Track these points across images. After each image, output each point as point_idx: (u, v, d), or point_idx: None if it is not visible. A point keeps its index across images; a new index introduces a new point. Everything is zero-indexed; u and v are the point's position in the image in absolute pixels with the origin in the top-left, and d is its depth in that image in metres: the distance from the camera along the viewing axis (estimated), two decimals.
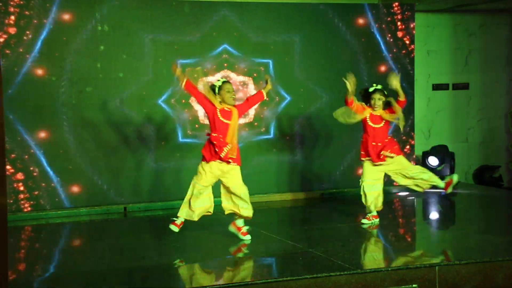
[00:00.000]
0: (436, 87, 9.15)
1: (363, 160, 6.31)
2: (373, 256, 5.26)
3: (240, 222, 5.80)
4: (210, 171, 5.63)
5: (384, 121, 6.25)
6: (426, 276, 4.73)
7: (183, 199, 7.66)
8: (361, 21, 8.06)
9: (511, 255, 5.00)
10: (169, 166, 7.49)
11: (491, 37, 9.30)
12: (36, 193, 7.08)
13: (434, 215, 7.44)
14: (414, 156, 8.39)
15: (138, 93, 7.36)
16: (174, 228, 5.76)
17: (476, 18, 9.22)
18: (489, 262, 4.89)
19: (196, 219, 5.79)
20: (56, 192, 7.14)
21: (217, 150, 5.54)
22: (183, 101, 7.50)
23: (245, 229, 5.80)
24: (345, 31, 8.00)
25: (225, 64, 7.62)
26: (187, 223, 6.88)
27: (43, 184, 7.09)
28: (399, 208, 7.75)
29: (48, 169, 7.10)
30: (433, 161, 8.56)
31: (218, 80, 5.69)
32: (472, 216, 7.23)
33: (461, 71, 9.24)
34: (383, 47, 8.15)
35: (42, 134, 7.06)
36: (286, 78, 7.83)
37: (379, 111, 6.22)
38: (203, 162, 5.67)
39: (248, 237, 5.76)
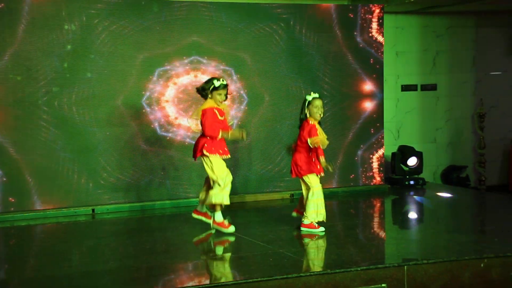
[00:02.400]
0: (405, 88, 9.24)
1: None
2: (343, 256, 5.28)
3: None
4: None
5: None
6: (395, 275, 4.77)
7: (153, 200, 7.64)
8: (329, 22, 8.08)
9: (477, 254, 5.08)
10: (140, 167, 7.42)
11: (458, 39, 9.44)
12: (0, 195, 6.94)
13: (402, 215, 7.51)
14: (383, 160, 8.46)
15: (105, 93, 7.27)
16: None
17: (443, 20, 9.34)
18: (456, 261, 4.95)
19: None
20: (21, 193, 7.00)
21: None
22: (155, 101, 7.44)
23: None
24: (312, 33, 8.01)
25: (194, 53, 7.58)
26: (154, 226, 6.82)
27: (8, 185, 6.95)
28: (367, 208, 7.80)
29: (14, 170, 6.96)
30: (412, 161, 8.62)
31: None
32: (440, 215, 7.32)
33: (429, 72, 9.35)
34: (352, 48, 8.19)
35: (8, 134, 6.93)
36: (249, 82, 7.84)
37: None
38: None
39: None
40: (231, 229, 6.01)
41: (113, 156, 7.32)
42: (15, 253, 5.79)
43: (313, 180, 6.06)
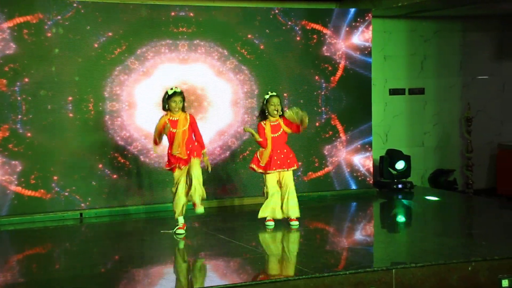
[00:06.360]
0: (393, 92, 9.28)
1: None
2: (331, 259, 5.30)
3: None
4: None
5: (282, 129, 6.36)
6: (383, 279, 4.79)
7: (140, 205, 7.58)
8: (317, 26, 8.10)
9: (465, 257, 5.10)
10: (125, 171, 7.39)
11: (446, 43, 9.49)
12: None
13: (390, 218, 7.53)
14: (371, 164, 8.49)
15: (94, 97, 7.24)
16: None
17: (431, 24, 9.39)
18: (443, 264, 4.98)
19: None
20: (9, 198, 6.95)
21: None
22: (140, 105, 7.42)
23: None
24: (301, 37, 8.02)
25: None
26: (142, 230, 6.80)
27: None
28: (356, 212, 7.82)
29: None
30: (400, 165, 8.65)
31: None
32: (428, 219, 7.35)
33: (417, 76, 9.40)
34: (340, 52, 8.21)
35: None
36: (240, 86, 7.84)
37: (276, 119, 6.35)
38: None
39: None
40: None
41: (101, 160, 7.29)
42: (2, 257, 5.75)
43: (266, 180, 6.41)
